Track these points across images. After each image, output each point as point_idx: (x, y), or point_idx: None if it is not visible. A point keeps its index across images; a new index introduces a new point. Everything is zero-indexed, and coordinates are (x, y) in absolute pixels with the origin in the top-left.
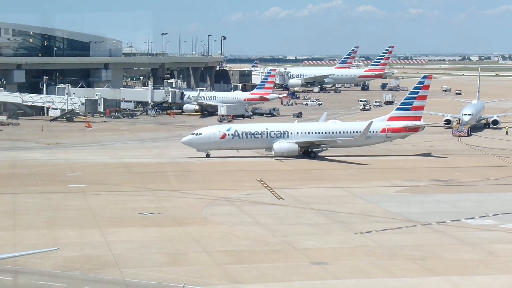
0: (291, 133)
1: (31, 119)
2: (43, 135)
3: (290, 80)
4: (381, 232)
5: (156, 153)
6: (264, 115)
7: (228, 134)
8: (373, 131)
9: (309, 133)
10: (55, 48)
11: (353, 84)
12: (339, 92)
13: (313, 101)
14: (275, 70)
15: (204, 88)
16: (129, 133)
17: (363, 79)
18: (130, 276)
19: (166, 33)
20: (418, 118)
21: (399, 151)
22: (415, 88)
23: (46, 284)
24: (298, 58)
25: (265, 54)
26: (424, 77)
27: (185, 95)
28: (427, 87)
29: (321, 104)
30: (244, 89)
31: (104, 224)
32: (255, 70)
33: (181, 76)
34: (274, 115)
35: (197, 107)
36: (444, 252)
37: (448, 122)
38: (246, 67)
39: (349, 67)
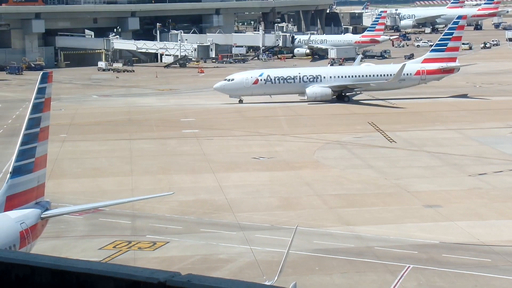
0: (324, 77)
1: (145, 66)
2: (157, 81)
3: (401, 21)
4: (495, 174)
5: (266, 98)
6: (375, 57)
7: (261, 80)
8: (407, 74)
9: (342, 77)
10: None
11: (465, 24)
12: None
13: (425, 42)
14: (385, 11)
15: (315, 32)
16: None
17: (476, 19)
18: (244, 220)
19: None
20: (453, 59)
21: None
22: (450, 29)
23: (163, 227)
24: None
25: None
26: (459, 17)
27: (295, 39)
28: (462, 27)
29: (433, 45)
30: (355, 31)
31: (217, 168)
32: (365, 12)
33: (291, 20)
34: (385, 57)
35: (307, 51)
36: None
37: None
38: (357, 9)
39: (461, 7)
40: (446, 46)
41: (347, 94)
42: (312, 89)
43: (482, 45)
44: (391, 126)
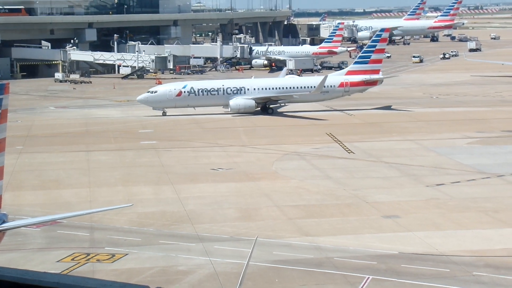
0: (248, 89)
1: (102, 77)
2: (115, 92)
3: (358, 33)
4: (452, 185)
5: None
6: (333, 68)
7: (184, 92)
8: (330, 86)
9: (265, 89)
10: (125, 6)
11: (422, 36)
12: (408, 44)
13: None
14: (343, 23)
15: (273, 43)
16: None
17: (432, 31)
18: (204, 231)
19: None
20: (377, 71)
21: (470, 103)
22: (373, 41)
23: (121, 239)
24: (366, 10)
25: (333, 7)
26: (382, 30)
27: (253, 50)
28: (384, 40)
29: (389, 56)
30: (313, 43)
31: (176, 180)
32: (323, 24)
33: (249, 31)
34: (343, 68)
35: (265, 62)
36: None
37: None
38: (314, 21)
39: (418, 19)
40: (369, 58)
41: (271, 106)
42: (236, 101)
43: (442, 55)
44: (349, 137)
